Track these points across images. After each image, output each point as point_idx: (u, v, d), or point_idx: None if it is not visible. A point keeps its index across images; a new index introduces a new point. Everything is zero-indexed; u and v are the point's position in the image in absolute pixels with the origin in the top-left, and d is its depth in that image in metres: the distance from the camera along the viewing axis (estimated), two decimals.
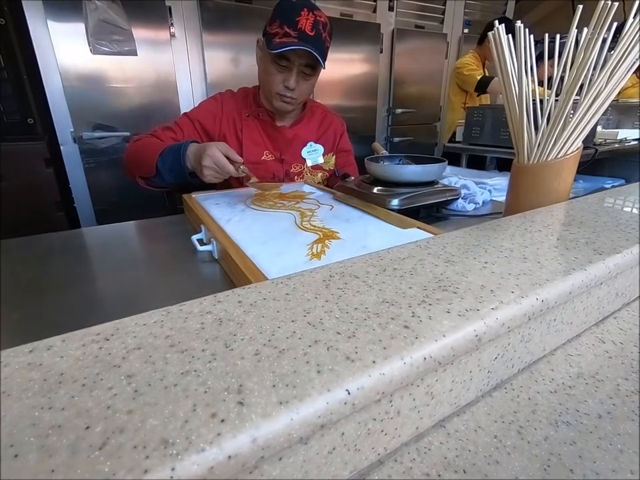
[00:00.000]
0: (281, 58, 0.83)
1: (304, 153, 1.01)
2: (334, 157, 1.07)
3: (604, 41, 0.49)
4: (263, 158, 0.96)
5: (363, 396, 0.20)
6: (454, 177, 0.95)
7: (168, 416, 0.17)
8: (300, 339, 0.23)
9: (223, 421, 0.17)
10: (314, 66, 0.87)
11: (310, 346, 0.22)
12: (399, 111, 2.48)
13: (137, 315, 0.26)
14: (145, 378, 0.20)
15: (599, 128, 1.63)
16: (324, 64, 0.85)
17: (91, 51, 1.51)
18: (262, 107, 0.96)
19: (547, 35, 0.53)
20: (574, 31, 0.50)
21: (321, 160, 1.03)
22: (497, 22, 0.53)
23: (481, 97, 2.20)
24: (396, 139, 2.54)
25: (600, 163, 1.49)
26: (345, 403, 0.20)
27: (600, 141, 1.57)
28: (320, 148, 1.03)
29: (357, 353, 0.22)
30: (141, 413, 0.18)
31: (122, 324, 0.25)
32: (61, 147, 1.59)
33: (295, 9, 0.79)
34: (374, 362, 0.21)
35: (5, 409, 0.18)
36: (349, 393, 0.20)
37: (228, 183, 0.91)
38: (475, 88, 2.08)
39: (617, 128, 1.76)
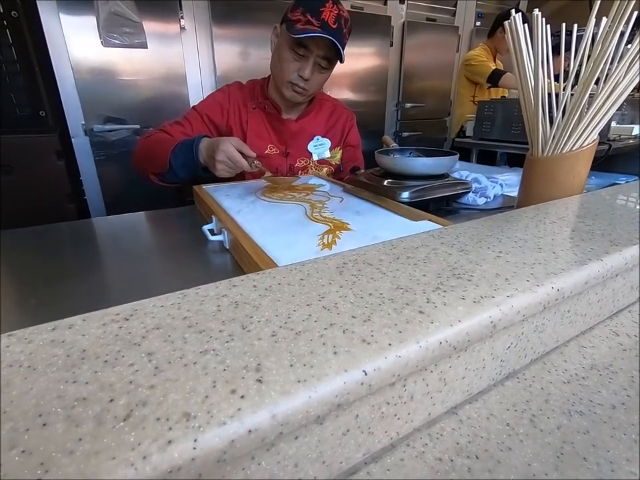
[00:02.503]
0: (300, 46, 0.82)
1: (310, 147, 0.99)
2: (340, 151, 1.06)
3: (622, 33, 0.48)
4: (266, 152, 0.95)
5: (379, 377, 0.20)
6: (465, 171, 0.95)
7: (189, 391, 0.18)
8: (316, 321, 0.23)
9: (242, 397, 0.18)
10: (330, 59, 0.85)
11: (326, 329, 0.23)
12: (408, 105, 2.46)
13: (154, 297, 0.26)
14: (165, 356, 0.20)
15: (613, 123, 1.60)
16: (342, 58, 0.84)
17: (102, 43, 1.52)
18: (269, 98, 0.95)
19: (564, 24, 0.52)
20: (592, 22, 0.49)
21: (327, 154, 1.01)
22: (513, 11, 0.52)
23: (490, 90, 2.17)
24: (405, 134, 2.52)
25: (613, 159, 1.46)
26: (362, 384, 0.20)
27: (614, 136, 1.54)
28: (327, 142, 1.01)
29: (372, 336, 0.22)
30: (162, 388, 0.18)
31: (140, 305, 0.25)
32: (72, 140, 1.61)
33: None
34: (390, 345, 0.21)
35: (31, 382, 0.18)
36: (365, 374, 0.20)
37: (242, 177, 0.91)
38: (487, 79, 2.05)
39: (631, 124, 1.73)
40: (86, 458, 0.15)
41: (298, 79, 0.86)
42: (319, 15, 0.78)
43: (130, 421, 0.16)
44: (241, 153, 0.72)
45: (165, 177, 0.84)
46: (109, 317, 0.24)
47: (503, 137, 1.60)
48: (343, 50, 0.84)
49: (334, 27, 0.79)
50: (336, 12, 0.79)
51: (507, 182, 0.96)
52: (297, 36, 0.78)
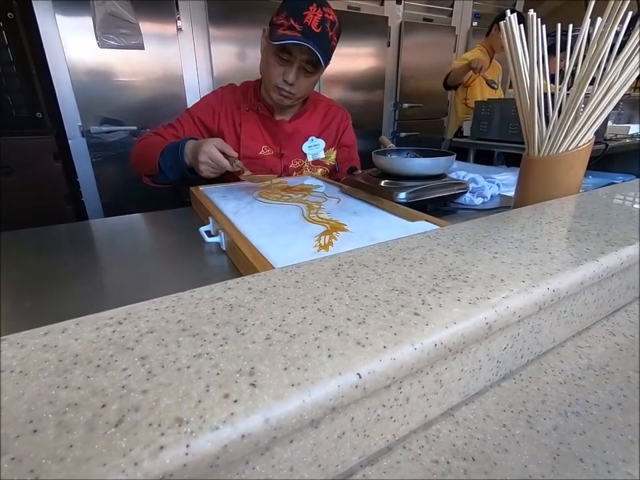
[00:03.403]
0: (283, 51, 0.81)
1: (305, 147, 0.99)
2: (335, 151, 1.05)
3: (617, 33, 0.49)
4: (260, 153, 0.95)
5: (373, 380, 0.20)
6: (462, 171, 0.95)
7: (182, 396, 0.18)
8: (310, 324, 0.23)
9: (235, 401, 0.17)
10: (316, 64, 0.83)
11: (320, 331, 0.23)
12: (405, 105, 2.47)
13: (148, 300, 0.26)
14: (158, 360, 0.20)
15: (610, 123, 1.60)
16: (324, 63, 0.81)
17: (98, 44, 1.51)
18: (261, 100, 0.94)
19: (559, 25, 0.52)
20: (587, 22, 0.49)
21: (322, 155, 1.01)
22: (508, 11, 0.52)
23: (484, 91, 2.17)
24: (403, 134, 2.52)
25: (610, 159, 1.47)
26: (356, 387, 0.20)
27: (611, 135, 1.55)
28: (321, 142, 1.01)
29: (367, 338, 0.22)
30: (155, 392, 0.18)
31: (134, 309, 0.25)
32: (69, 141, 1.61)
33: (304, 2, 0.77)
34: (385, 347, 0.21)
35: (23, 387, 0.18)
36: (360, 377, 0.20)
37: (227, 178, 0.89)
38: (446, 87, 2.16)
39: (628, 123, 1.73)
40: (77, 464, 0.15)
41: (283, 83, 0.85)
42: (302, 19, 0.76)
43: (122, 427, 0.16)
44: (223, 153, 0.73)
45: (156, 178, 0.86)
46: (102, 320, 0.24)
47: (500, 136, 1.60)
48: (328, 54, 0.83)
49: (317, 31, 0.77)
50: (320, 15, 0.77)
51: (504, 182, 0.96)
52: (275, 42, 0.78)
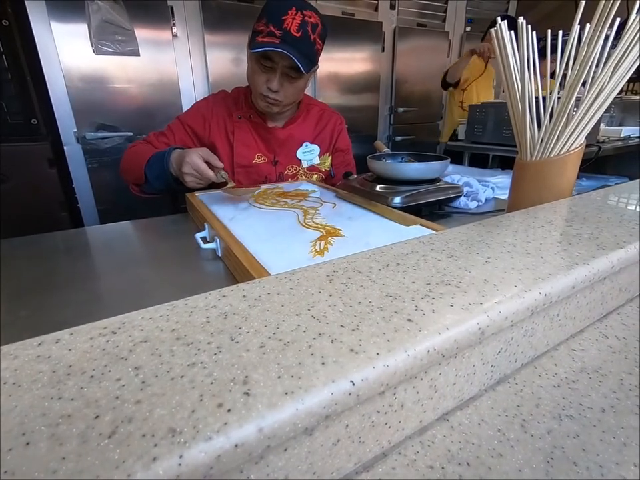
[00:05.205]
0: (265, 58, 0.80)
1: (299, 153, 0.98)
2: (330, 157, 1.05)
3: (607, 37, 0.49)
4: (254, 161, 0.94)
5: (367, 387, 0.20)
6: (456, 174, 0.95)
7: (175, 406, 0.18)
8: (304, 331, 0.23)
9: (229, 410, 0.18)
10: (298, 69, 0.79)
11: (314, 339, 0.23)
12: (400, 109, 2.48)
13: (142, 309, 0.26)
14: (152, 370, 0.20)
15: (602, 125, 1.62)
16: (305, 68, 0.78)
17: (93, 51, 1.52)
18: (253, 107, 0.93)
19: (549, 31, 0.53)
20: (576, 27, 0.50)
21: (316, 161, 1.00)
22: (499, 18, 0.53)
23: (479, 95, 2.20)
24: (398, 138, 2.54)
25: (603, 161, 1.48)
26: (350, 394, 0.20)
27: (603, 138, 1.56)
28: (316, 148, 1.00)
29: (360, 345, 0.22)
30: (148, 403, 0.18)
31: (128, 318, 0.25)
32: (64, 147, 1.60)
33: (283, 7, 0.76)
34: (378, 354, 0.21)
35: (16, 400, 0.18)
36: (353, 384, 0.20)
37: (216, 186, 0.85)
38: (444, 86, 2.18)
39: (620, 125, 1.76)
40: (69, 478, 0.15)
41: (267, 90, 0.84)
42: (281, 24, 0.75)
43: (115, 438, 0.16)
44: (209, 164, 0.72)
45: (143, 187, 0.85)
46: (96, 330, 0.24)
47: (494, 139, 1.61)
48: (312, 58, 0.81)
49: (297, 35, 0.75)
50: (299, 19, 0.75)
51: (499, 185, 0.97)
52: (253, 50, 0.77)
